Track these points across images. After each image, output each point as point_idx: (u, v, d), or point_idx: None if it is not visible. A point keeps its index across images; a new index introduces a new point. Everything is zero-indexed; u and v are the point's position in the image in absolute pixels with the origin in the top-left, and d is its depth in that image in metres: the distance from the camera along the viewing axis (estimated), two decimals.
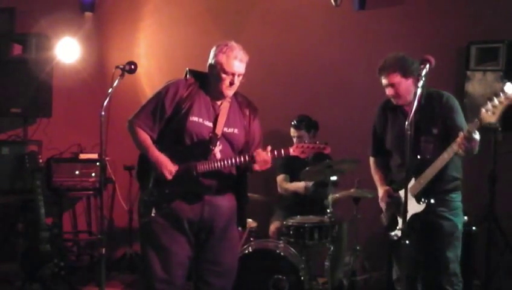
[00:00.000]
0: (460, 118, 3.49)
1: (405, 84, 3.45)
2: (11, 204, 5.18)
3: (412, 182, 3.44)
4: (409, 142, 2.98)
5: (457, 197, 3.56)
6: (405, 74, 3.44)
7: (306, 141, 3.37)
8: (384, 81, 3.51)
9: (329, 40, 5.40)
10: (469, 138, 3.16)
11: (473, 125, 3.13)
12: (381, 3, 5.28)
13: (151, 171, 3.28)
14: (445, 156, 3.30)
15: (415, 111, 2.98)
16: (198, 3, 5.64)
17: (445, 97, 3.53)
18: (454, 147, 3.23)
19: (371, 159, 3.87)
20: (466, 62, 4.87)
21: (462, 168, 3.58)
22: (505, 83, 3.01)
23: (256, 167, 3.25)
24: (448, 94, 3.57)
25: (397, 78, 3.45)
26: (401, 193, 3.46)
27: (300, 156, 3.28)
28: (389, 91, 3.51)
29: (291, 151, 3.24)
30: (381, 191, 3.72)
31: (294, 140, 4.81)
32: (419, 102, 3.09)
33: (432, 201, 3.44)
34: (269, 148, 3.22)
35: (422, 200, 3.44)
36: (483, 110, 3.03)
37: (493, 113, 2.99)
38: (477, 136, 3.17)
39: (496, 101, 2.98)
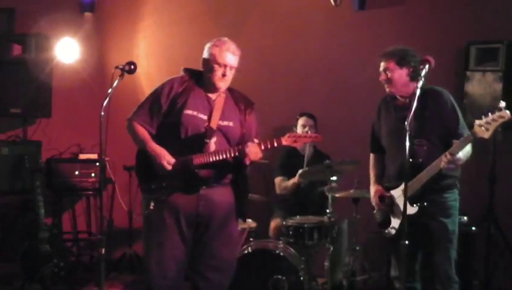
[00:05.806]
0: (457, 117, 3.46)
1: (398, 72, 3.50)
2: (11, 204, 5.19)
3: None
4: (408, 143, 2.99)
5: (451, 197, 3.50)
6: (399, 62, 3.49)
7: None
8: (380, 67, 3.58)
9: (329, 40, 5.40)
10: (452, 160, 3.22)
11: (459, 144, 3.19)
12: (381, 3, 5.28)
13: (150, 167, 3.31)
14: (431, 171, 3.33)
15: (408, 110, 3.05)
16: (198, 3, 5.63)
17: (442, 95, 3.51)
18: (439, 164, 3.28)
19: (371, 156, 3.86)
20: (465, 62, 4.87)
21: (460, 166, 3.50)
22: (500, 102, 3.06)
23: (247, 160, 3.26)
24: (443, 90, 3.54)
25: (391, 65, 3.51)
26: (393, 192, 3.53)
27: (292, 146, 3.31)
28: (382, 76, 3.56)
29: (283, 141, 3.27)
30: (372, 190, 3.73)
31: (298, 129, 4.83)
32: (418, 101, 3.12)
33: (425, 204, 3.42)
34: (256, 141, 3.27)
35: (416, 203, 3.42)
36: (477, 123, 3.09)
37: (487, 129, 3.08)
38: (460, 155, 3.24)
39: (490, 117, 3.05)
